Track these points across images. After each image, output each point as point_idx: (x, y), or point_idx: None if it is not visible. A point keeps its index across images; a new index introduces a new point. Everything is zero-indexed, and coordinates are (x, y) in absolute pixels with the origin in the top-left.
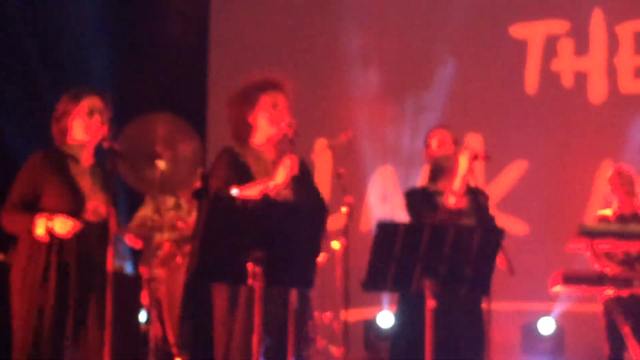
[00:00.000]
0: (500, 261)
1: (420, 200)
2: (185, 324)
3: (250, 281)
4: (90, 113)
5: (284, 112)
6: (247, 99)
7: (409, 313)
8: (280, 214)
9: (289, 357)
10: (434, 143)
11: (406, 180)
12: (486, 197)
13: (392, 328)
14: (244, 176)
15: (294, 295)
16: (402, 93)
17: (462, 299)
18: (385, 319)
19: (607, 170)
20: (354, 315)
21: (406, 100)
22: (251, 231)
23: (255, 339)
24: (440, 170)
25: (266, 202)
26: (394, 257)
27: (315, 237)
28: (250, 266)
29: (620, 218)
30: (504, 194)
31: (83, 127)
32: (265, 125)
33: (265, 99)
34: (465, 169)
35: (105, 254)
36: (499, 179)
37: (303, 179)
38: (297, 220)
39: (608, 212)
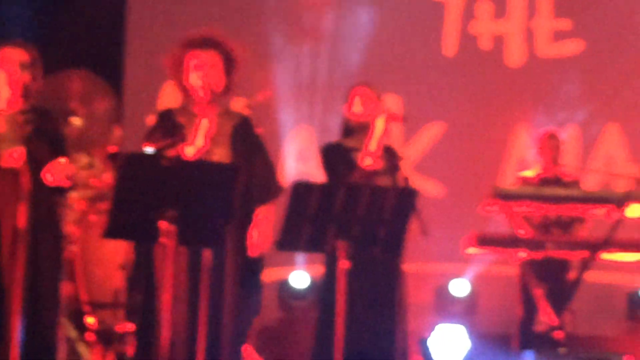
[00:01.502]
0: (414, 222)
1: (335, 157)
2: (133, 289)
3: (163, 239)
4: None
5: (206, 71)
6: (175, 59)
7: (330, 273)
8: (191, 173)
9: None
10: (356, 100)
11: (322, 139)
12: (400, 159)
13: (319, 288)
14: (177, 136)
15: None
16: (318, 51)
17: (378, 260)
18: (299, 279)
19: (522, 133)
20: (268, 275)
21: (322, 59)
22: (163, 190)
23: (167, 297)
24: (355, 127)
25: (178, 162)
26: (308, 218)
27: (226, 197)
28: (163, 225)
29: (543, 181)
30: (422, 155)
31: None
32: (191, 86)
33: (189, 58)
34: (381, 130)
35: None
36: (417, 140)
37: (245, 138)
38: (209, 180)
39: (530, 173)
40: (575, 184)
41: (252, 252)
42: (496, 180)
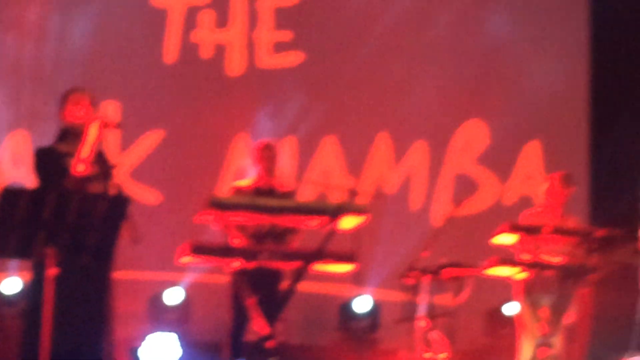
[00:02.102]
0: (126, 230)
1: (47, 162)
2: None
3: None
4: None
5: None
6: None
7: (38, 280)
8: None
9: None
10: (70, 105)
11: (37, 143)
12: (113, 166)
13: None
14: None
15: None
16: (39, 55)
17: (87, 267)
18: (11, 285)
19: (241, 142)
20: None
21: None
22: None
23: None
24: (70, 132)
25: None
26: (17, 224)
27: None
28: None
29: (257, 191)
30: (139, 162)
31: None
32: None
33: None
34: (94, 137)
35: None
36: (135, 147)
37: None
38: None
39: (244, 183)
40: (289, 194)
41: None
42: (214, 190)
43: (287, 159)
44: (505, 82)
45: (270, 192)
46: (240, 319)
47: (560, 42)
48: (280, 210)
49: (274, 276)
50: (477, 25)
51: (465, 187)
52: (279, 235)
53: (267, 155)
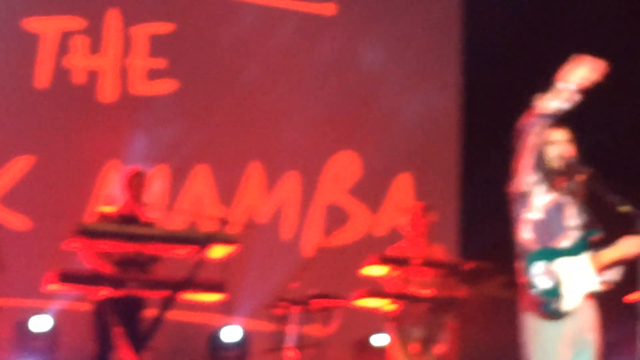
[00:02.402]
0: None
1: None
2: None
3: None
4: None
5: None
6: None
7: None
8: None
9: None
10: None
11: None
12: None
13: None
14: None
15: None
16: None
17: None
18: None
19: (112, 170)
20: None
21: None
22: None
23: None
24: None
25: None
26: None
27: None
28: None
29: (123, 218)
30: (8, 188)
31: None
32: None
33: None
34: None
35: None
36: (4, 172)
37: None
38: None
39: (110, 209)
40: (150, 224)
41: None
42: (83, 217)
43: (158, 187)
44: (377, 115)
45: (133, 220)
46: (105, 348)
47: (433, 77)
48: (149, 239)
49: (141, 304)
50: (351, 59)
51: (337, 218)
52: (143, 263)
53: (135, 183)
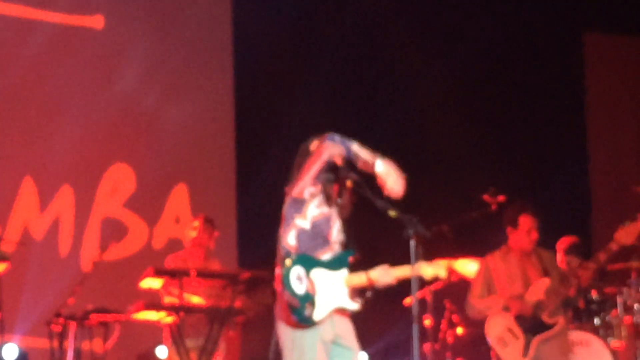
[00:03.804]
0: None
1: None
2: None
3: None
4: None
5: None
6: None
7: None
8: None
9: None
10: None
11: None
12: None
13: None
14: None
15: None
16: None
17: None
18: None
19: None
20: None
21: None
22: None
23: None
24: None
25: None
26: None
27: None
28: None
29: None
30: None
31: None
32: None
33: None
34: None
35: None
36: None
37: None
38: None
39: None
40: None
41: None
42: None
43: None
44: (147, 127)
45: None
46: None
47: (205, 87)
48: None
49: None
50: (121, 71)
51: (114, 231)
52: None
53: None
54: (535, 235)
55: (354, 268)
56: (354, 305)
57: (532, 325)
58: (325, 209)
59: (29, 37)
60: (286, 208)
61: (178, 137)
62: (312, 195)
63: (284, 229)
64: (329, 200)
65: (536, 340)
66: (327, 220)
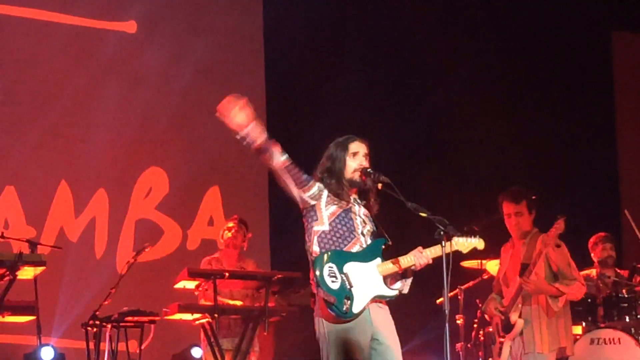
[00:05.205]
0: None
1: None
2: None
3: None
4: None
5: None
6: None
7: None
8: None
9: None
10: None
11: None
12: None
13: None
14: None
15: None
16: None
17: None
18: None
19: None
20: None
21: None
22: None
23: None
24: None
25: None
26: None
27: None
28: None
29: None
30: None
31: None
32: None
33: None
34: None
35: None
36: None
37: None
38: None
39: None
40: None
41: None
42: None
43: None
44: (184, 132)
45: None
46: None
47: (237, 91)
48: None
49: None
50: (150, 74)
51: (149, 233)
52: None
53: None
54: (514, 220)
55: (387, 256)
56: (392, 293)
57: (505, 325)
58: (337, 205)
59: (63, 43)
60: (304, 220)
61: (210, 141)
62: (314, 198)
63: (307, 238)
64: (345, 197)
65: (505, 340)
66: (345, 213)
